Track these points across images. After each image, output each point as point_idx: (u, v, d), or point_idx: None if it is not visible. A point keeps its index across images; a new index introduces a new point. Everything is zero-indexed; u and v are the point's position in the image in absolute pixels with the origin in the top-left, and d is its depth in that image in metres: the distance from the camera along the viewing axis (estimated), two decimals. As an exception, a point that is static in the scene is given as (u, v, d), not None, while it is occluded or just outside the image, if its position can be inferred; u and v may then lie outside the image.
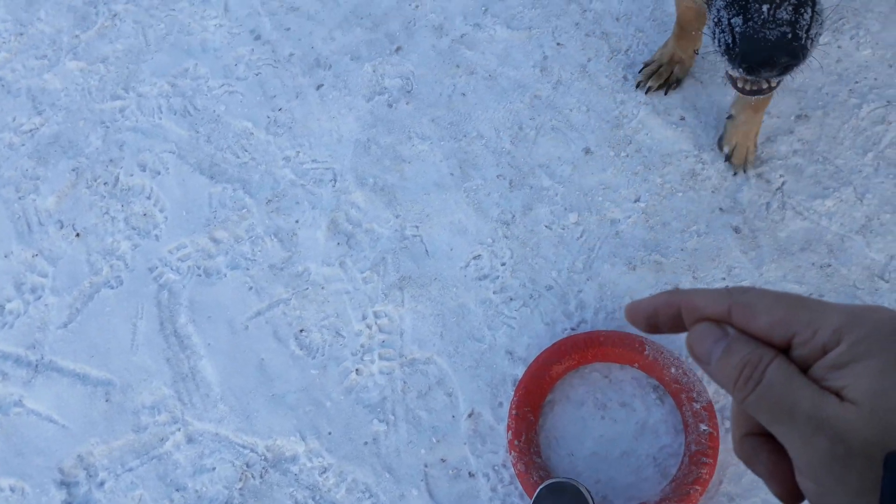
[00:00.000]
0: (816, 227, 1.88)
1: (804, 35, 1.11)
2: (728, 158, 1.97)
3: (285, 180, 2.22)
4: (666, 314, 0.50)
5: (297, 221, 2.15)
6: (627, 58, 2.19)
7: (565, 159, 2.10)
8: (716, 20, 1.17)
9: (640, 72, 2.14)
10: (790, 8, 1.08)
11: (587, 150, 2.09)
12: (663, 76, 2.09)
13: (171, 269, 2.13)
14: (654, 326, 0.52)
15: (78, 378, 2.01)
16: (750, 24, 1.10)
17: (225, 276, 2.10)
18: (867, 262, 1.82)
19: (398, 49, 2.35)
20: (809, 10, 1.10)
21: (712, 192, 1.97)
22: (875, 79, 2.02)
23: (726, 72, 1.33)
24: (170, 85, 2.44)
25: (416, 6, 2.41)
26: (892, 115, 1.96)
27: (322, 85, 2.34)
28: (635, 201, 2.01)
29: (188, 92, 2.42)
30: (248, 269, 2.10)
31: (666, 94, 2.11)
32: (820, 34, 1.15)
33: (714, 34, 1.18)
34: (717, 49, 1.19)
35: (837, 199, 1.90)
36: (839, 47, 2.08)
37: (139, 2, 2.61)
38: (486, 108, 2.21)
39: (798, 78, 2.04)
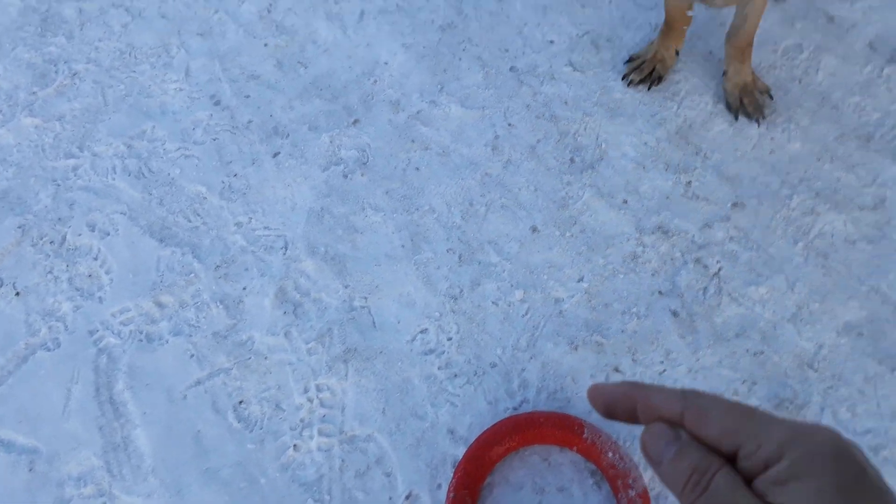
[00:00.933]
0: (751, 313, 1.95)
1: None
2: (738, 114, 2.25)
3: (236, 246, 2.22)
4: (624, 406, 0.52)
5: (244, 288, 2.15)
6: (574, 141, 2.27)
7: (513, 236, 2.14)
8: None
9: (625, 63, 2.37)
10: None
11: (534, 229, 2.15)
12: (645, 71, 2.32)
13: (113, 332, 2.10)
14: (611, 414, 0.54)
15: (2, 445, 1.95)
16: None
17: (167, 342, 2.07)
18: (798, 351, 1.89)
19: (356, 122, 2.40)
20: None
21: (652, 275, 2.03)
22: (805, 171, 2.13)
23: None
24: (126, 146, 2.44)
25: (375, 81, 2.47)
26: (820, 207, 2.06)
27: (279, 153, 2.38)
28: (579, 281, 2.05)
29: (144, 154, 2.43)
30: (190, 336, 2.08)
31: (648, 89, 2.31)
32: None
33: None
34: None
35: (770, 287, 1.97)
36: (772, 139, 2.19)
37: (100, 62, 2.64)
38: (439, 183, 2.26)
39: (734, 166, 2.14)
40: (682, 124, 2.26)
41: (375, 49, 2.55)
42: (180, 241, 2.24)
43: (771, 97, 2.25)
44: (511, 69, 2.45)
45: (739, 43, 2.15)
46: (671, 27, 2.24)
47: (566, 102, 2.35)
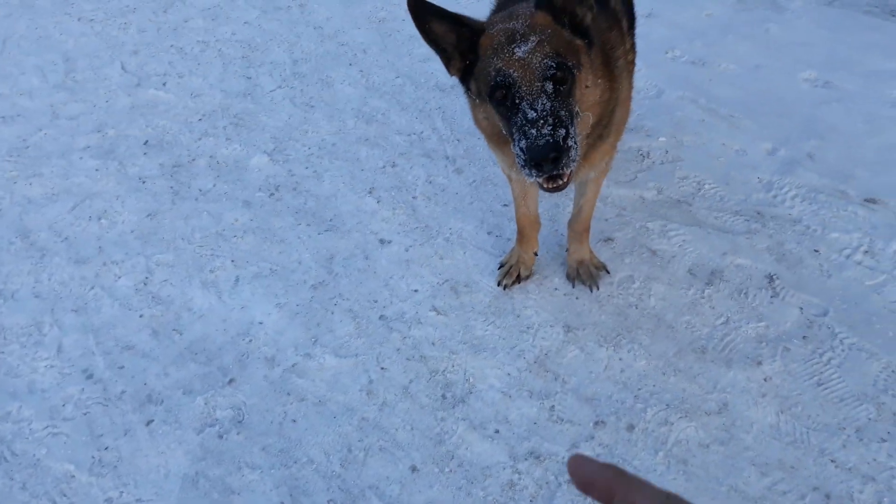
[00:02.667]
0: (627, 527, 2.01)
1: (561, 142, 1.75)
2: (575, 282, 2.67)
3: (105, 524, 2.11)
4: (602, 488, 0.53)
5: (112, 571, 2.01)
6: (445, 378, 2.41)
7: (393, 479, 2.17)
8: (516, 153, 1.80)
9: (498, 269, 2.75)
10: (549, 129, 1.74)
11: (413, 468, 2.19)
12: (513, 275, 2.70)
13: None
14: (587, 490, 0.54)
15: None
16: (529, 141, 1.75)
17: None
18: (676, 559, 1.93)
19: (231, 381, 2.46)
20: (563, 130, 1.76)
21: (530, 501, 2.08)
22: (653, 385, 2.34)
23: (536, 182, 1.92)
24: (-12, 430, 2.36)
25: (250, 340, 2.58)
26: (672, 417, 2.24)
27: (152, 420, 2.36)
28: (461, 517, 2.07)
29: (7, 437, 2.35)
30: None
31: (519, 284, 2.69)
32: (575, 148, 1.81)
33: (517, 161, 1.82)
34: (521, 168, 1.82)
35: (640, 499, 2.06)
36: (620, 359, 2.41)
37: (-33, 347, 2.62)
38: (317, 433, 2.30)
39: (590, 388, 2.32)
40: (539, 354, 2.46)
41: (250, 311, 2.69)
42: (42, 527, 2.11)
43: (607, 272, 2.70)
44: (381, 318, 2.64)
45: (578, 227, 2.60)
46: (524, 234, 2.65)
47: (433, 343, 2.53)
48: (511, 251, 2.76)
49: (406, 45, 4.17)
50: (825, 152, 3.12)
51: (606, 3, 2.17)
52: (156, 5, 4.84)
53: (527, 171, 1.80)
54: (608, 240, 2.83)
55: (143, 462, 2.26)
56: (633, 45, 2.40)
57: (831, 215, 2.82)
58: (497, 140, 2.05)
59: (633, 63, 2.40)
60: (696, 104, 3.48)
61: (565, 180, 1.89)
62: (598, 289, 2.65)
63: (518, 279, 2.70)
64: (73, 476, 2.23)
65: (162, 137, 3.59)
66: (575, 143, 1.80)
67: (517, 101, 1.78)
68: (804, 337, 2.41)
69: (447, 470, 2.19)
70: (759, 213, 2.88)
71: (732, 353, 2.40)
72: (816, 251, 2.69)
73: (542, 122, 1.74)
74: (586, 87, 1.89)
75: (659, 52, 3.86)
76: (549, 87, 1.77)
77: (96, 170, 3.39)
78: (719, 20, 4.10)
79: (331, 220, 3.06)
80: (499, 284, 2.71)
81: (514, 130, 1.80)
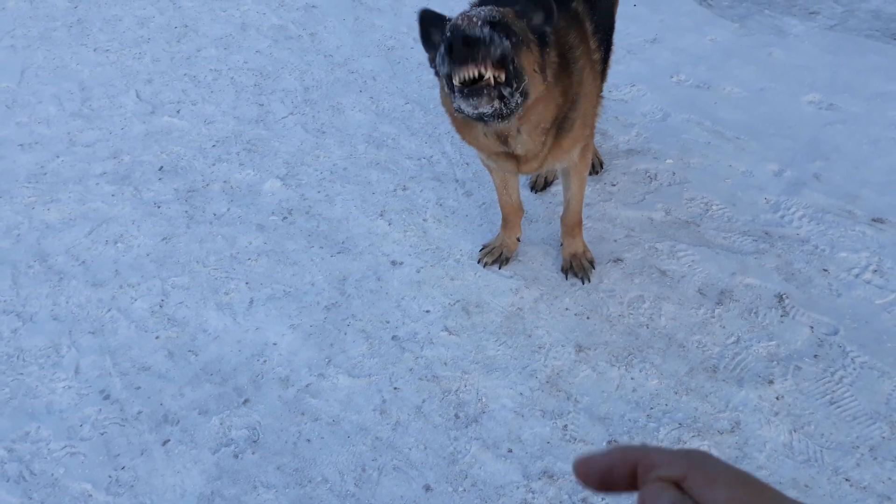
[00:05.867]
0: (641, 545, 2.01)
1: (481, 33, 1.78)
2: (568, 274, 2.80)
3: (121, 544, 2.13)
4: (622, 471, 0.49)
5: (129, 590, 2.02)
6: (457, 397, 2.43)
7: (408, 498, 2.18)
8: (438, 62, 1.88)
9: (479, 251, 2.92)
10: (474, 25, 1.80)
11: (427, 488, 2.20)
12: (495, 255, 2.88)
13: None
14: (608, 484, 0.50)
15: None
16: (451, 35, 1.79)
17: None
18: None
19: (246, 401, 2.48)
20: (488, 28, 1.81)
21: (544, 519, 2.09)
22: (666, 404, 2.35)
23: (459, 109, 1.94)
24: (7, 450, 2.39)
25: (264, 360, 2.61)
26: (685, 436, 2.25)
27: (168, 440, 2.39)
28: (476, 535, 2.08)
29: (26, 456, 2.37)
30: None
31: (500, 268, 2.86)
32: (503, 43, 1.83)
33: (439, 69, 1.92)
34: (441, 70, 1.88)
35: (654, 517, 2.06)
36: (632, 378, 2.43)
37: (-14, 369, 2.65)
38: (331, 453, 2.31)
39: (603, 407, 2.33)
40: (551, 373, 2.48)
41: (264, 332, 2.72)
42: (60, 546, 2.13)
43: (593, 266, 2.82)
44: (393, 338, 2.66)
45: (568, 222, 2.76)
46: (508, 220, 2.83)
47: (446, 363, 2.55)
48: (496, 236, 2.93)
49: (415, 72, 4.24)
50: (831, 173, 3.15)
51: (567, 4, 2.30)
52: (169, 35, 4.95)
53: (447, 63, 1.82)
54: (618, 260, 2.86)
55: (160, 482, 2.28)
56: (598, 47, 2.47)
57: (839, 235, 2.85)
58: (460, 121, 2.19)
59: (598, 62, 2.49)
60: (702, 127, 3.52)
61: (486, 92, 1.84)
62: (589, 281, 2.79)
63: (499, 260, 2.87)
64: (91, 495, 2.25)
65: (176, 163, 3.66)
66: (500, 40, 1.82)
67: None
68: (815, 356, 2.43)
69: (461, 489, 2.20)
70: (766, 234, 2.91)
71: (744, 372, 2.42)
72: (825, 270, 2.71)
73: (469, 23, 1.81)
74: (534, 70, 1.96)
75: (664, 77, 3.92)
76: (488, 28, 1.82)
77: (112, 195, 3.45)
78: (723, 45, 4.16)
79: (343, 242, 3.10)
80: (479, 262, 2.90)
81: None
